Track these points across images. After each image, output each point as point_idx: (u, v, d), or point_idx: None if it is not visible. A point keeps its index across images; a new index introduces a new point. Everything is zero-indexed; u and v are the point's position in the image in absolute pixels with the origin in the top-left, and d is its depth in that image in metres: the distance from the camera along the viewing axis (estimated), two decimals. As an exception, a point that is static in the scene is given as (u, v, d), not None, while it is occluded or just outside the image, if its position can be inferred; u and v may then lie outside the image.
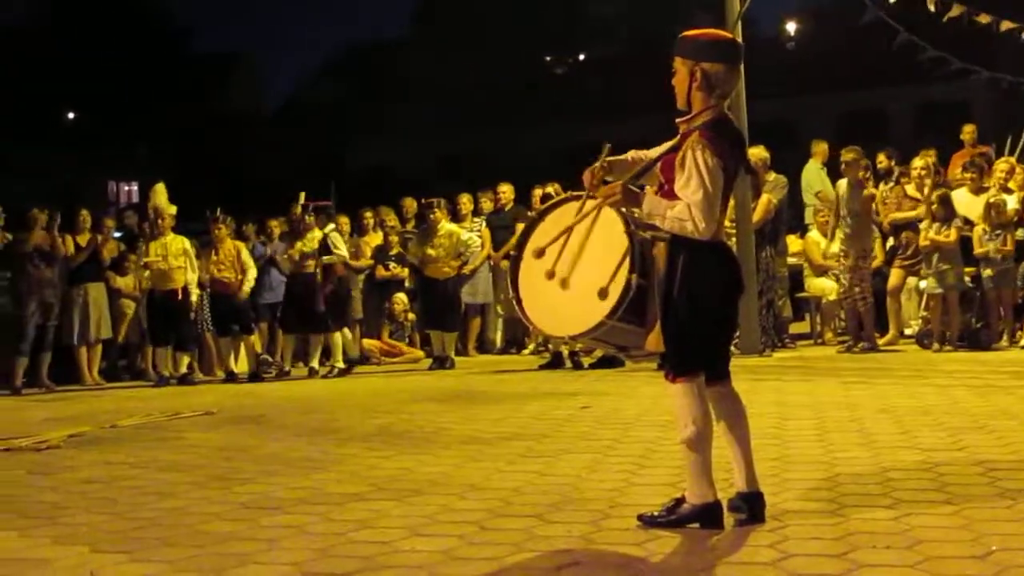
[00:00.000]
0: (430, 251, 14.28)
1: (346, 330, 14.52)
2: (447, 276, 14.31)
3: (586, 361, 12.74)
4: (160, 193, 13.88)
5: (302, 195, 15.01)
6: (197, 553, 4.60)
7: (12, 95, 46.44)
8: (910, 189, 13.94)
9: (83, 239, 13.88)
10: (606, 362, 12.33)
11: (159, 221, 13.74)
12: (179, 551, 4.65)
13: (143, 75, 47.78)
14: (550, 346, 13.11)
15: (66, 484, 6.51)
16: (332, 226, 14.52)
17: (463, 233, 14.68)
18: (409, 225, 16.18)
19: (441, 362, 14.09)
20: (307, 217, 14.34)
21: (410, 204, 16.50)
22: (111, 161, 44.19)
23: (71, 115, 51.65)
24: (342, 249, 14.33)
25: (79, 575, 4.33)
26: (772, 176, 13.48)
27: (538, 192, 14.48)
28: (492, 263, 15.13)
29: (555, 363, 13.11)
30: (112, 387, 13.50)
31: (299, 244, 14.14)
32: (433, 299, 14.57)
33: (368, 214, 16.03)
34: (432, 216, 14.45)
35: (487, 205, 15.82)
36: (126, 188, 41.67)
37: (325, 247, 14.01)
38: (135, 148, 45.89)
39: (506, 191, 15.51)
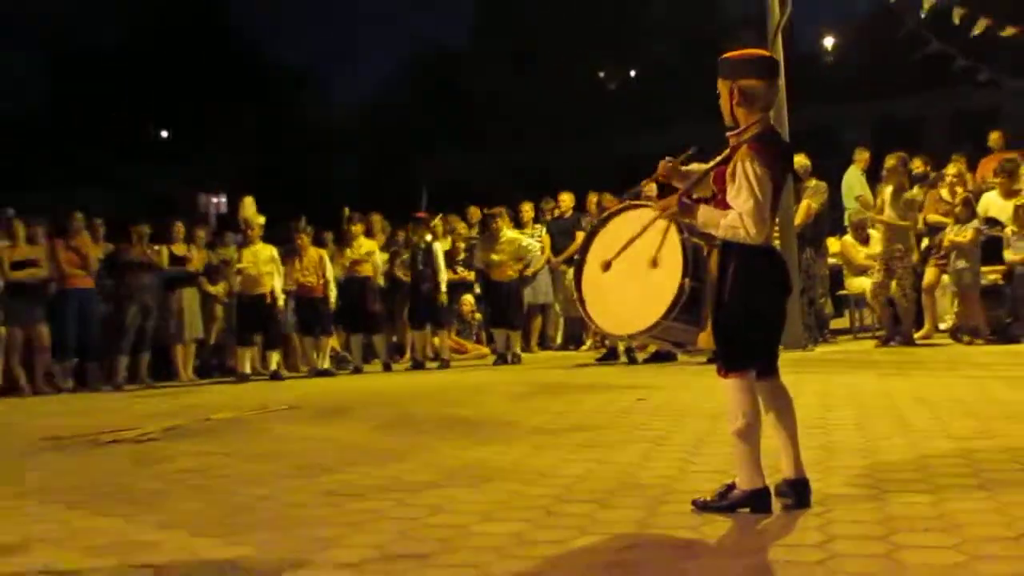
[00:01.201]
0: (493, 256, 14.39)
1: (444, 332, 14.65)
2: (510, 279, 14.41)
3: (640, 356, 12.73)
4: (249, 205, 14.02)
5: (347, 209, 15.30)
6: (286, 536, 4.65)
7: (109, 115, 47.12)
8: (944, 193, 13.86)
9: (178, 249, 14.05)
10: (660, 357, 12.32)
11: (248, 231, 13.91)
12: (269, 535, 4.70)
13: (229, 94, 48.16)
14: (607, 342, 13.10)
15: (165, 473, 6.59)
16: (430, 237, 14.64)
17: (523, 239, 14.77)
18: (474, 231, 16.23)
19: (505, 358, 14.15)
20: (353, 227, 14.59)
21: (475, 212, 16.56)
22: (200, 175, 44.57)
23: (163, 133, 52.17)
24: (439, 258, 14.53)
25: (182, 557, 4.40)
26: (813, 182, 13.40)
27: (593, 199, 14.54)
28: (552, 266, 15.16)
29: (610, 356, 13.23)
30: (204, 383, 13.64)
31: (348, 251, 14.38)
32: (497, 300, 14.67)
33: (438, 221, 16.09)
34: (494, 224, 14.57)
35: (554, 210, 15.83)
36: (215, 200, 42.03)
37: (430, 255, 14.24)
38: (221, 163, 46.28)
39: (566, 199, 15.53)
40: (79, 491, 6.05)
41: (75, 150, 46.09)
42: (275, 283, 13.74)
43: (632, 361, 12.84)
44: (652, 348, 11.58)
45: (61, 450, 7.86)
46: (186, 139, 49.60)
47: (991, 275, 13.23)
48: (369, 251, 14.49)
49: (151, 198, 33.42)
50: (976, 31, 16.62)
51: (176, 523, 5.04)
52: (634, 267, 4.82)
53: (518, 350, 14.42)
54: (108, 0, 51.74)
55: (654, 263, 4.76)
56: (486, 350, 15.50)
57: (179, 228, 14.34)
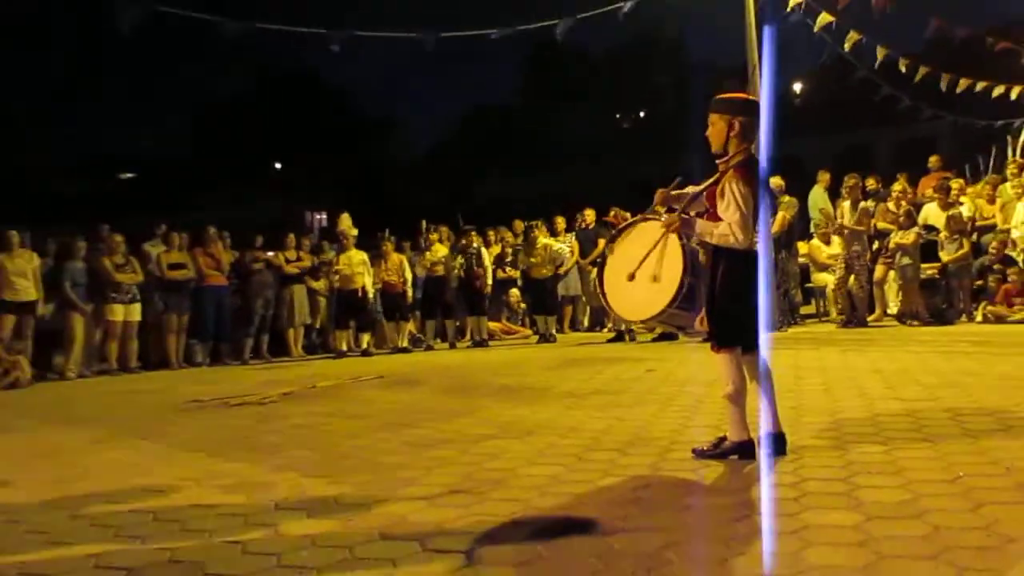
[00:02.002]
0: (532, 259, 14.51)
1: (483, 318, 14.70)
2: (546, 276, 14.54)
3: (647, 337, 12.71)
4: (345, 220, 14.12)
5: (424, 222, 15.42)
6: (377, 477, 4.68)
7: (236, 151, 47.77)
8: (891, 205, 13.82)
9: (290, 254, 14.15)
10: (665, 338, 12.30)
11: (345, 240, 14.02)
12: (364, 476, 4.74)
13: (329, 135, 48.62)
14: (623, 327, 13.09)
15: (281, 428, 6.63)
16: (479, 244, 14.78)
17: (555, 245, 14.84)
18: (518, 240, 16.26)
19: (544, 338, 14.19)
20: (432, 235, 14.71)
21: (518, 224, 16.60)
22: (305, 197, 44.96)
23: (277, 165, 52.68)
24: (487, 261, 14.62)
25: (295, 494, 4.44)
26: (786, 198, 13.40)
27: (612, 214, 14.53)
28: (579, 266, 15.19)
29: (618, 338, 13.27)
30: (311, 359, 13.72)
31: (428, 255, 14.53)
32: (537, 293, 14.82)
33: (491, 232, 16.15)
34: (532, 234, 14.69)
35: (581, 223, 15.85)
36: (317, 216, 42.28)
37: (479, 259, 14.33)
38: (323, 187, 46.66)
39: (589, 214, 15.56)
40: (215, 443, 6.11)
41: (215, 179, 46.81)
42: (365, 280, 13.84)
43: (632, 339, 12.94)
44: (659, 330, 11.53)
45: (201, 411, 7.94)
46: (296, 170, 50.11)
47: (929, 270, 13.32)
48: (443, 255, 14.60)
49: (269, 215, 33.68)
50: (919, 76, 16.51)
51: (290, 467, 5.08)
52: (645, 267, 4.83)
53: (553, 331, 14.47)
54: (237, 64, 52.46)
55: (661, 264, 4.77)
56: (529, 332, 15.52)
57: (291, 238, 14.42)
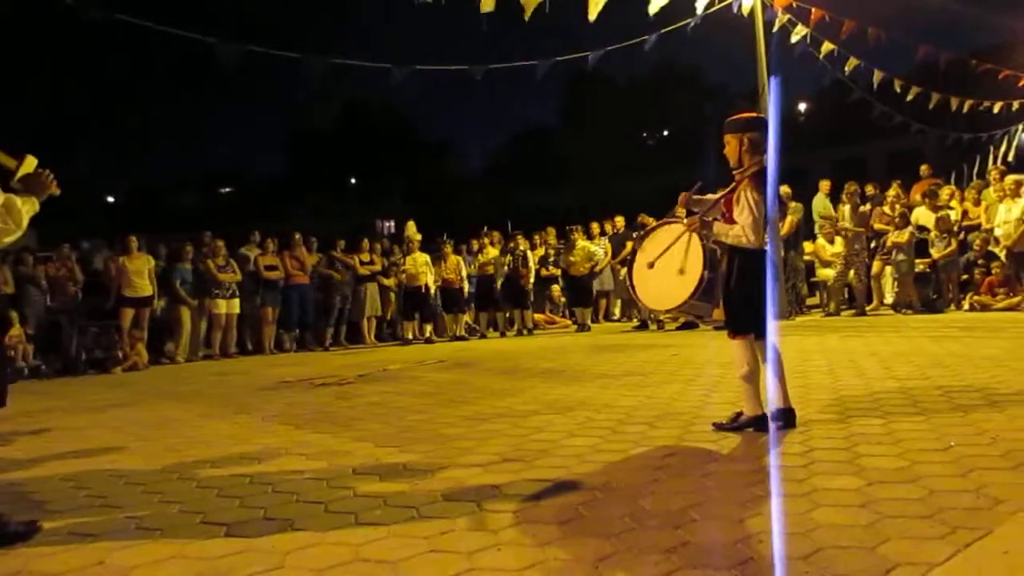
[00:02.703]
0: (571, 259, 14.45)
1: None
2: (583, 274, 14.45)
3: (673, 326, 12.60)
4: (411, 227, 14.15)
5: (486, 227, 15.41)
6: (438, 447, 4.68)
7: (321, 171, 48.37)
8: (887, 208, 13.63)
9: (364, 257, 14.23)
10: (687, 327, 12.19)
11: (410, 244, 14.06)
12: (428, 446, 4.74)
13: (397, 155, 49.02)
14: (649, 316, 13.00)
15: (358, 405, 6.66)
16: (525, 246, 14.76)
17: (591, 246, 14.74)
18: (559, 242, 16.23)
19: (582, 327, 14.12)
20: (484, 240, 14.71)
21: (551, 231, 16.54)
22: (377, 208, 45.36)
23: (352, 180, 53.19)
24: (532, 261, 14.63)
25: (369, 461, 4.45)
26: (793, 204, 13.23)
27: (639, 219, 14.46)
28: (612, 265, 15.12)
29: (642, 327, 13.25)
30: (382, 346, 13.79)
31: (480, 257, 14.53)
32: (575, 288, 14.70)
33: (535, 236, 16.11)
34: (571, 237, 14.62)
35: (609, 228, 15.78)
36: (386, 224, 42.59)
37: (525, 260, 14.32)
38: (392, 199, 47.05)
39: (619, 220, 15.53)
40: (301, 417, 6.15)
41: (301, 192, 47.49)
42: (428, 279, 13.87)
43: (659, 327, 12.84)
44: (681, 319, 11.43)
45: (289, 389, 8.01)
46: (368, 184, 50.60)
47: (920, 265, 13.08)
48: (493, 256, 14.60)
49: (346, 223, 34.01)
50: (910, 96, 16.23)
51: (365, 438, 5.10)
52: (669, 263, 4.79)
53: (589, 322, 14.39)
54: (322, 94, 53.24)
55: (683, 260, 4.73)
56: (568, 322, 15.46)
57: (365, 243, 14.51)
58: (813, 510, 3.08)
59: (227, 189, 54.13)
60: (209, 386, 8.85)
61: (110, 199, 51.33)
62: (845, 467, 3.67)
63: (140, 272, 11.89)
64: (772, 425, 4.50)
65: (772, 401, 4.57)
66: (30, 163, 3.44)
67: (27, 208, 3.37)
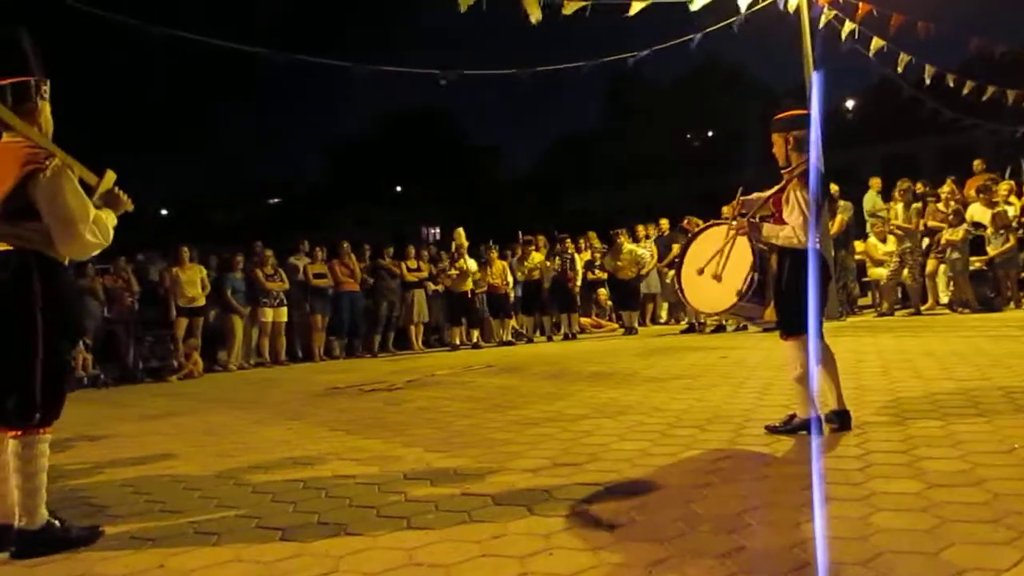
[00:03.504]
0: (617, 263, 14.35)
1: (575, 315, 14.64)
2: (629, 277, 14.34)
3: (731, 326, 12.51)
4: (460, 234, 14.20)
5: (520, 233, 15.39)
6: (488, 451, 4.68)
7: (365, 180, 48.87)
8: (940, 206, 13.34)
9: (412, 264, 14.33)
10: (738, 329, 12.07)
11: (457, 250, 14.11)
12: (477, 450, 4.74)
13: (442, 161, 49.30)
14: (701, 319, 12.87)
15: (407, 410, 6.70)
16: (573, 249, 14.75)
17: (637, 249, 14.64)
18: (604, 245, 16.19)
19: (629, 330, 14.05)
20: (530, 246, 14.71)
21: (592, 235, 16.49)
22: (421, 214, 45.67)
23: (398, 188, 53.63)
24: (579, 265, 14.62)
25: (420, 466, 4.47)
26: (842, 203, 13.05)
27: (685, 222, 14.32)
28: (658, 268, 15.01)
29: (690, 329, 13.07)
30: (429, 351, 13.87)
31: (527, 263, 14.50)
32: (621, 291, 14.62)
33: (581, 240, 16.08)
34: (617, 241, 14.53)
35: (654, 231, 15.67)
36: (432, 231, 42.82)
37: (572, 263, 14.29)
38: (437, 207, 47.34)
39: (665, 223, 15.40)
40: (352, 422, 6.21)
41: (346, 201, 48.01)
42: (475, 284, 13.93)
43: (701, 331, 12.68)
44: (731, 323, 11.32)
45: (340, 396, 8.09)
46: (414, 191, 50.96)
47: (976, 263, 12.75)
48: (538, 261, 14.59)
49: (391, 230, 34.28)
50: (965, 91, 15.91)
51: (415, 443, 5.12)
52: (718, 265, 4.74)
53: (636, 325, 14.31)
54: (365, 105, 53.93)
55: (733, 263, 4.68)
56: (615, 325, 15.40)
57: (411, 249, 14.62)
58: (872, 514, 3.02)
59: (275, 200, 54.94)
60: (261, 393, 8.97)
61: (163, 212, 52.48)
62: (904, 470, 3.58)
63: (193, 282, 12.13)
64: (827, 427, 4.43)
65: (826, 403, 4.50)
66: (109, 179, 3.55)
67: (111, 222, 3.51)
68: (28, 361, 3.28)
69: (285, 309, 12.95)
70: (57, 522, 3.39)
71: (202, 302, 12.21)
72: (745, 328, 11.80)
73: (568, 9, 10.56)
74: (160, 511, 3.89)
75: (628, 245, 14.56)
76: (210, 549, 3.24)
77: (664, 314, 16.02)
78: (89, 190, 3.47)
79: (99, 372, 11.35)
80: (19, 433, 3.27)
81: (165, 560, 3.13)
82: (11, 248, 3.29)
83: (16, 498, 3.27)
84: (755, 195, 4.89)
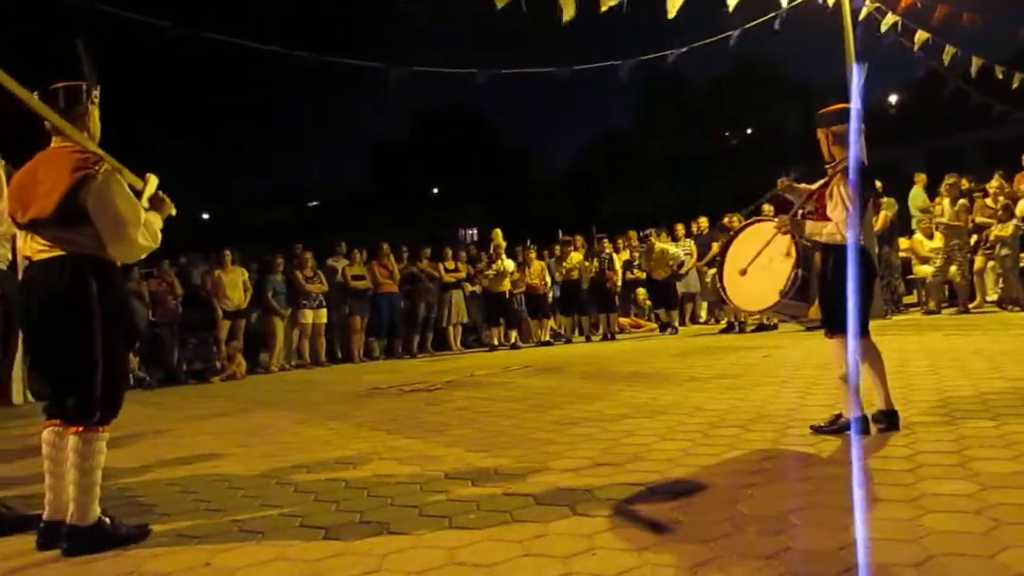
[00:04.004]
0: (650, 263, 14.26)
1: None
2: (664, 276, 14.23)
3: (748, 328, 12.44)
4: (498, 234, 14.21)
5: (560, 232, 15.34)
6: (529, 452, 4.67)
7: (403, 182, 49.17)
8: (989, 201, 13.04)
9: (449, 264, 14.38)
10: (763, 328, 11.97)
11: (495, 250, 14.12)
12: (518, 451, 4.74)
13: (479, 163, 49.41)
14: (742, 318, 12.73)
15: (447, 411, 6.71)
16: (610, 250, 14.69)
17: (671, 248, 14.49)
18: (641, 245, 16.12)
19: (664, 328, 13.99)
20: (568, 247, 14.67)
21: (632, 234, 16.44)
22: (459, 215, 45.81)
23: (435, 190, 53.86)
24: (617, 264, 14.58)
25: (460, 466, 4.48)
26: (886, 199, 12.83)
27: (725, 219, 14.20)
28: (697, 267, 14.90)
29: (729, 329, 12.91)
30: (468, 352, 13.90)
31: (565, 263, 14.45)
32: (659, 291, 14.53)
33: (620, 239, 16.02)
34: (649, 240, 14.43)
35: (694, 229, 15.56)
36: (469, 232, 42.94)
37: (611, 263, 14.24)
38: (473, 207, 47.44)
39: (703, 221, 15.27)
40: (392, 422, 6.24)
41: (388, 204, 48.32)
42: (512, 284, 13.93)
43: (741, 330, 12.52)
44: (775, 319, 11.20)
45: (380, 396, 8.13)
46: (451, 192, 51.15)
47: (1027, 259, 12.40)
48: (577, 261, 14.55)
49: (430, 231, 34.46)
50: (1015, 84, 15.55)
51: (455, 443, 5.13)
52: (760, 263, 4.70)
53: (676, 323, 14.21)
54: (401, 106, 54.27)
55: (776, 260, 4.63)
56: (654, 325, 15.31)
57: (448, 251, 14.68)
58: (922, 516, 2.96)
59: (314, 203, 55.49)
60: (303, 394, 9.05)
61: (205, 215, 53.28)
62: (956, 471, 3.51)
63: (235, 284, 12.29)
64: (874, 428, 4.35)
65: (873, 403, 4.42)
66: (152, 183, 3.63)
67: (158, 224, 3.59)
68: (88, 362, 3.37)
69: (325, 311, 13.07)
70: (107, 520, 3.45)
71: (244, 304, 12.36)
72: (775, 327, 11.69)
73: (604, 5, 10.51)
74: (206, 510, 3.94)
75: (660, 244, 14.45)
76: (255, 547, 3.27)
77: (704, 313, 15.91)
78: (136, 194, 3.54)
79: (145, 374, 11.54)
80: (80, 430, 3.35)
81: (211, 558, 3.17)
82: (66, 253, 3.36)
83: (71, 494, 3.35)
84: (803, 185, 4.84)
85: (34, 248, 3.42)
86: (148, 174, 3.64)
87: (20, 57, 3.64)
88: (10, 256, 3.76)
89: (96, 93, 3.59)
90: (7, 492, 4.14)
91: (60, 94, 3.46)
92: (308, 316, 12.86)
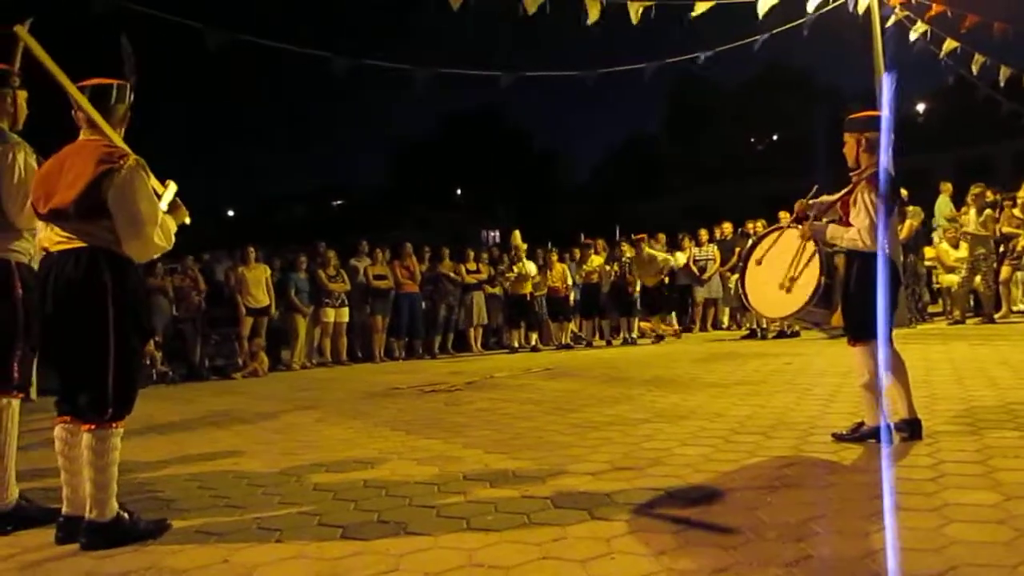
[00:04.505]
0: (640, 270, 14.11)
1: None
2: (655, 283, 14.06)
3: (769, 335, 12.35)
4: (517, 236, 14.20)
5: (582, 235, 15.28)
6: (549, 454, 4.66)
7: (426, 183, 49.30)
8: (1017, 211, 12.87)
9: (471, 266, 14.38)
10: (785, 335, 11.89)
11: (515, 252, 14.11)
12: (537, 453, 4.73)
13: (502, 165, 49.46)
14: (763, 325, 12.63)
15: (467, 412, 6.71)
16: (632, 252, 14.61)
17: (661, 255, 14.29)
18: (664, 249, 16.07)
19: (657, 339, 13.89)
20: (588, 250, 14.62)
21: (660, 237, 16.38)
22: (481, 217, 45.86)
23: (458, 191, 53.97)
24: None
25: (479, 467, 4.47)
26: (912, 208, 12.69)
27: (749, 226, 14.12)
28: (720, 273, 14.81)
29: (751, 335, 12.82)
30: (488, 354, 13.89)
31: (585, 266, 14.41)
32: (650, 297, 14.37)
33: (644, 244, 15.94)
34: (639, 246, 14.30)
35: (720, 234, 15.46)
36: (491, 233, 42.97)
37: (631, 267, 14.19)
38: (496, 209, 47.47)
39: (727, 227, 15.18)
40: (412, 423, 6.24)
41: (409, 205, 48.46)
42: (533, 287, 13.92)
43: (763, 337, 12.44)
44: (796, 327, 11.10)
45: (400, 396, 8.13)
46: (473, 194, 51.23)
47: (1054, 270, 12.25)
48: (598, 264, 14.51)
49: (452, 233, 34.51)
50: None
51: (475, 444, 5.13)
52: (783, 269, 4.67)
53: (676, 327, 14.06)
54: (427, 110, 54.42)
55: (798, 266, 4.59)
56: (677, 328, 15.25)
57: (470, 252, 14.68)
58: (945, 525, 2.92)
59: (338, 202, 55.76)
60: (323, 392, 9.08)
61: (230, 212, 53.70)
62: (979, 481, 3.46)
63: (258, 282, 12.35)
64: (897, 436, 4.30)
65: (896, 411, 4.37)
66: (172, 189, 3.65)
67: (173, 227, 3.62)
68: (101, 357, 3.36)
69: (347, 310, 13.10)
70: (126, 515, 3.47)
71: (267, 301, 12.42)
72: (797, 334, 11.59)
73: (632, 10, 10.49)
74: (225, 506, 3.96)
75: (648, 251, 14.16)
76: (273, 545, 3.28)
77: (725, 319, 15.80)
78: (156, 196, 3.56)
79: (168, 369, 11.62)
80: (93, 427, 3.35)
81: (229, 555, 3.18)
82: (84, 245, 3.37)
83: (88, 490, 3.36)
84: (824, 197, 4.80)
85: (52, 239, 3.43)
86: (168, 180, 3.67)
87: (67, 50, 3.69)
88: (32, 251, 3.79)
89: (131, 93, 3.63)
90: (27, 485, 4.17)
91: (96, 90, 3.50)
92: (330, 315, 12.90)
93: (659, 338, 13.84)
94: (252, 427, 6.65)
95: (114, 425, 3.39)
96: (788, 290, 4.63)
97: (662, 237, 15.58)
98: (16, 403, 3.76)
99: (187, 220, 3.76)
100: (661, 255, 14.42)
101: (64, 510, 3.47)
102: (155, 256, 3.63)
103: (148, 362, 11.26)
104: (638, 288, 14.44)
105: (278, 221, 49.07)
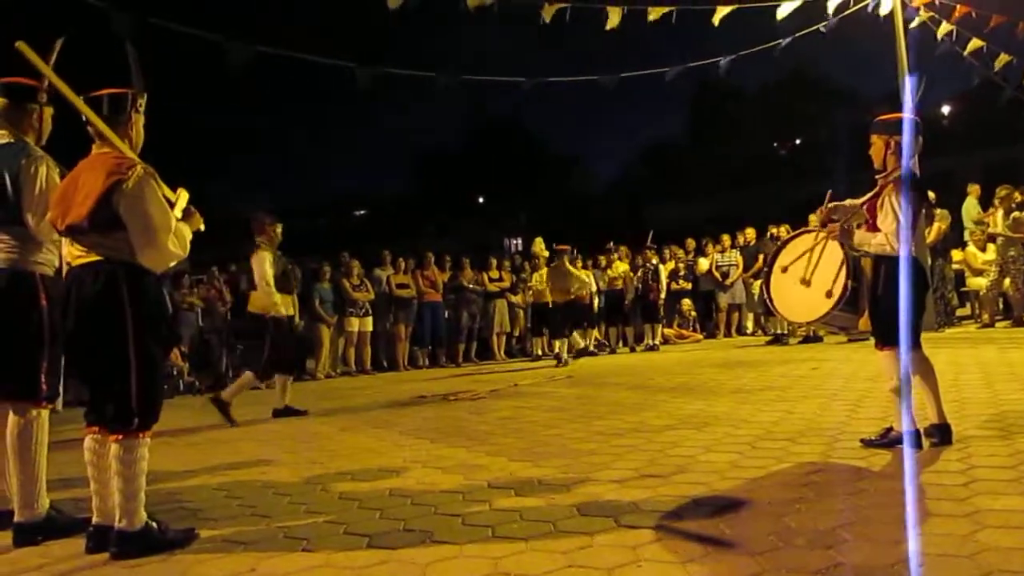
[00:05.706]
0: (555, 284, 13.96)
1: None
2: (561, 300, 13.69)
3: (792, 341, 12.30)
4: (538, 243, 14.20)
5: (611, 243, 15.24)
6: (573, 462, 4.64)
7: (449, 191, 49.47)
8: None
9: (493, 274, 14.40)
10: (805, 340, 11.77)
11: (536, 260, 14.10)
12: (562, 460, 4.71)
13: (524, 173, 49.48)
14: (789, 330, 12.52)
15: (490, 420, 6.71)
16: (656, 260, 14.54)
17: (584, 275, 13.54)
18: (690, 256, 15.99)
19: (559, 360, 13.13)
20: (613, 255, 14.57)
21: (689, 243, 16.32)
22: (503, 225, 45.89)
23: (480, 199, 54.07)
24: (663, 275, 14.42)
25: (504, 475, 4.46)
26: (939, 211, 12.56)
27: (773, 231, 14.04)
28: (743, 278, 14.73)
29: (776, 340, 12.73)
30: (512, 362, 13.89)
31: (609, 272, 14.39)
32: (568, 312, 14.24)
33: (666, 251, 15.91)
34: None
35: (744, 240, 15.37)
36: (514, 241, 42.97)
37: (656, 274, 14.11)
38: (519, 217, 47.48)
39: (750, 232, 15.11)
40: (436, 431, 6.25)
41: (431, 213, 48.61)
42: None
43: (785, 343, 12.38)
44: (821, 332, 11.00)
45: (424, 404, 8.16)
46: (496, 203, 51.28)
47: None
48: (622, 271, 14.47)
49: (474, 241, 34.56)
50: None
51: (499, 452, 5.12)
52: (809, 274, 4.62)
53: (566, 354, 12.59)
54: (450, 120, 54.54)
55: (824, 270, 4.56)
56: (700, 336, 15.18)
57: (492, 261, 14.70)
58: (978, 531, 2.87)
59: (361, 212, 56.02)
60: (348, 401, 9.12)
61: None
62: (1012, 486, 3.40)
63: (282, 292, 12.41)
64: (926, 442, 4.24)
65: (926, 416, 4.31)
66: (184, 196, 3.68)
67: (188, 235, 3.63)
68: (123, 368, 3.39)
69: (371, 319, 13.17)
70: (155, 524, 3.49)
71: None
72: (820, 339, 11.48)
73: (653, 15, 10.48)
74: (251, 515, 3.97)
75: (567, 265, 13.01)
76: (300, 554, 3.29)
77: (750, 325, 15.71)
78: (168, 204, 3.57)
79: (194, 379, 11.72)
80: (120, 437, 3.38)
81: (257, 564, 3.19)
82: (101, 258, 3.41)
83: (117, 500, 3.39)
84: (848, 201, 4.75)
85: (73, 254, 3.47)
86: (179, 188, 3.69)
87: (73, 61, 3.73)
88: (56, 262, 3.84)
89: (142, 101, 3.63)
90: (58, 495, 4.21)
91: (105, 101, 3.52)
92: (354, 324, 12.97)
93: (558, 359, 12.28)
94: (277, 436, 6.68)
95: (141, 435, 3.42)
96: (814, 294, 4.60)
97: (726, 239, 15.42)
98: (45, 414, 3.80)
99: (202, 227, 3.77)
100: (582, 275, 13.31)
101: (94, 520, 3.50)
102: (172, 264, 3.63)
103: (175, 373, 11.36)
104: (663, 296, 14.35)
105: (301, 231, 49.41)
